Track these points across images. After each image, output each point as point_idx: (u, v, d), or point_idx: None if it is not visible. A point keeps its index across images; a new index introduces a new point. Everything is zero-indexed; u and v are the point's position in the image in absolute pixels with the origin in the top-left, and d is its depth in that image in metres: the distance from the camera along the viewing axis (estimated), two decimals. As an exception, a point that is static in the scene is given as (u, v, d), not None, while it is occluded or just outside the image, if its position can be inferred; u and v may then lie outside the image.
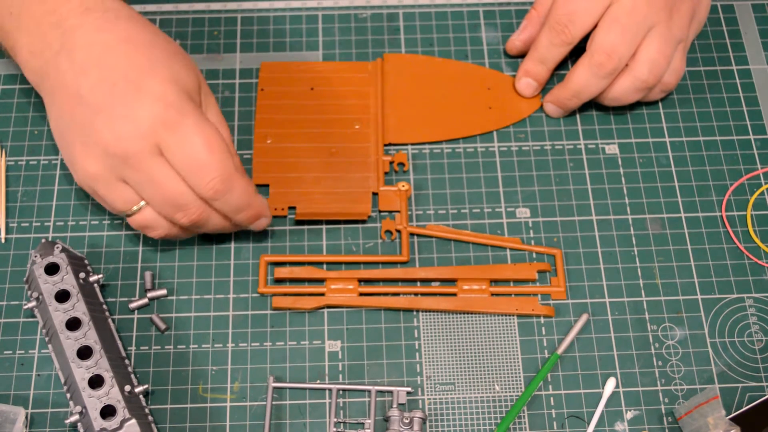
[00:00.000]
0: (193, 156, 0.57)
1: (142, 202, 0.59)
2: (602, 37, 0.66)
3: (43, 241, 0.63)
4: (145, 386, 0.59)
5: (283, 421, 0.60)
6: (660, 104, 0.73)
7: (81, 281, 0.60)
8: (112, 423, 0.56)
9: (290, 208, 0.67)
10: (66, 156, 0.61)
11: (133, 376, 0.60)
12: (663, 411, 0.61)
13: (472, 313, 0.64)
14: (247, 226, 0.63)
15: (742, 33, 0.76)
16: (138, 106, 0.56)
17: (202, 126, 0.57)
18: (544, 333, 0.64)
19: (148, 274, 0.64)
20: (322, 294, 0.64)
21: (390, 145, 0.70)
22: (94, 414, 0.56)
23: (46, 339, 0.60)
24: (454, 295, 0.65)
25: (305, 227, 0.67)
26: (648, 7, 0.66)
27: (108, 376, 0.57)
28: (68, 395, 0.58)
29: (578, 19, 0.67)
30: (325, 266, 0.66)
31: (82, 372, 0.57)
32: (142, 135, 0.56)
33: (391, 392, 0.61)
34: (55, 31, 0.60)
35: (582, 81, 0.68)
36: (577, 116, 0.72)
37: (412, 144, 0.70)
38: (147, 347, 0.63)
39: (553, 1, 0.68)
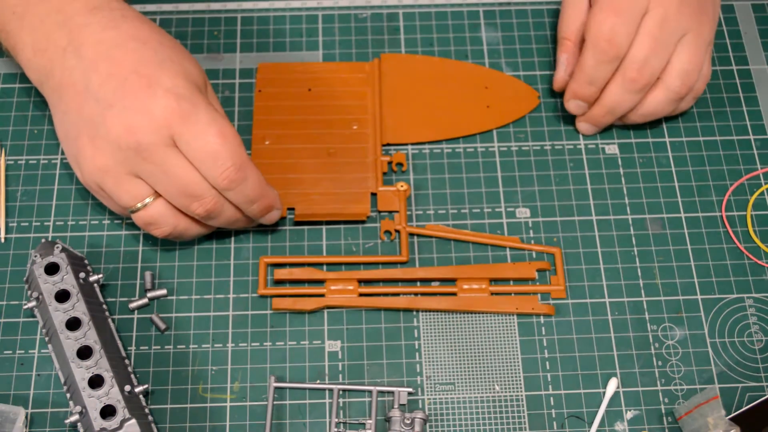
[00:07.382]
0: (207, 146, 0.57)
1: (148, 199, 0.59)
2: (635, 52, 0.64)
3: (43, 240, 0.63)
4: (145, 386, 0.59)
5: (283, 421, 0.60)
6: (660, 104, 0.73)
7: (81, 281, 0.60)
8: (112, 423, 0.56)
9: (289, 209, 0.67)
10: (71, 153, 0.61)
11: (133, 376, 0.60)
12: (663, 411, 0.61)
13: (472, 313, 0.64)
14: (259, 218, 0.63)
15: (742, 33, 0.76)
16: (151, 99, 0.57)
17: (215, 117, 0.58)
18: (544, 333, 0.64)
19: (148, 274, 0.64)
20: (322, 295, 0.64)
21: (388, 145, 0.70)
22: (94, 414, 0.56)
23: (46, 339, 0.60)
24: (454, 294, 0.64)
25: (305, 227, 0.67)
26: (678, 15, 0.64)
27: (108, 376, 0.57)
28: (68, 395, 0.58)
29: (622, 31, 0.64)
30: (324, 267, 0.65)
31: (82, 372, 0.57)
32: (156, 127, 0.57)
33: (391, 392, 0.61)
34: (61, 29, 0.60)
35: (616, 98, 0.67)
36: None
37: (411, 144, 0.70)
38: (147, 347, 0.63)
39: (589, 22, 0.66)
